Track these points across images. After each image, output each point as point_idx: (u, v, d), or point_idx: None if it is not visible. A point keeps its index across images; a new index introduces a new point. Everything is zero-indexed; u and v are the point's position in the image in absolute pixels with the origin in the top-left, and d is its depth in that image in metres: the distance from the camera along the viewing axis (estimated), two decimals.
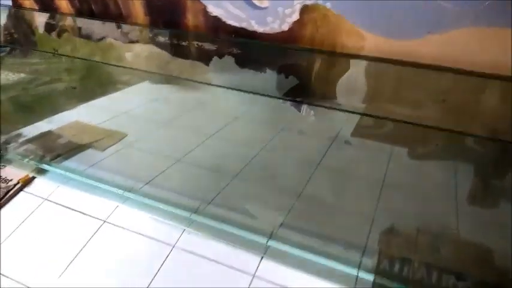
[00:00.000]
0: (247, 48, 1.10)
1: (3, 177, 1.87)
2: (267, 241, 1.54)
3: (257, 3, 1.01)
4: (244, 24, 1.07)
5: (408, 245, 1.42)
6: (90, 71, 1.58)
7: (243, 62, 1.13)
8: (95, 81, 1.72)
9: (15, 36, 1.50)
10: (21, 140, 1.98)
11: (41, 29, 1.41)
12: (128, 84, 1.73)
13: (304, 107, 1.11)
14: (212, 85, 1.22)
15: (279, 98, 1.15)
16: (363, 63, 1.02)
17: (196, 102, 1.54)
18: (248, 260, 1.52)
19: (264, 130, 1.43)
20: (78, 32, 1.33)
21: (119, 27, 1.24)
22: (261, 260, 1.52)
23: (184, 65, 1.22)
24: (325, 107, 1.09)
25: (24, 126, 2.02)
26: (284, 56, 1.09)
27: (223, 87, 1.20)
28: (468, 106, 0.99)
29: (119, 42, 1.28)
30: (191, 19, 1.12)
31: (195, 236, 1.62)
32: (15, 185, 1.83)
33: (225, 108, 1.48)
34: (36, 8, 1.35)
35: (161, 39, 1.19)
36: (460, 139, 1.09)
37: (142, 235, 1.63)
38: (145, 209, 1.71)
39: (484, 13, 0.82)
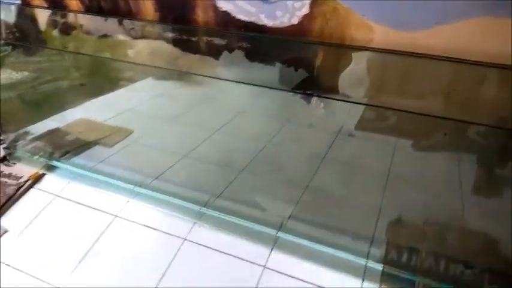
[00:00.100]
0: (256, 42, 1.12)
1: (13, 174, 1.89)
2: (277, 233, 1.56)
3: None
4: (253, 19, 1.08)
5: (415, 235, 1.44)
6: (97, 68, 1.60)
7: (252, 55, 1.14)
8: (101, 78, 1.73)
9: (24, 34, 1.51)
10: (29, 137, 2.00)
11: (50, 27, 1.42)
12: (131, 81, 1.74)
13: (314, 100, 1.12)
14: (221, 79, 1.23)
15: (289, 91, 1.16)
16: (372, 56, 1.04)
17: (201, 98, 1.55)
18: (258, 251, 1.55)
19: (271, 123, 1.44)
20: (87, 29, 1.35)
21: (128, 23, 1.25)
22: (271, 251, 1.55)
23: (194, 60, 1.23)
24: (335, 99, 1.11)
25: (32, 124, 2.04)
26: (293, 49, 1.10)
27: (233, 81, 1.22)
28: (476, 96, 1.01)
29: (128, 38, 1.30)
30: (201, 14, 1.14)
31: (205, 229, 1.65)
32: (25, 181, 1.85)
33: (231, 102, 1.49)
34: (45, 5, 1.36)
35: (171, 34, 1.21)
36: (464, 130, 1.11)
37: (154, 229, 1.66)
38: (156, 204, 1.74)
39: (493, 3, 0.84)
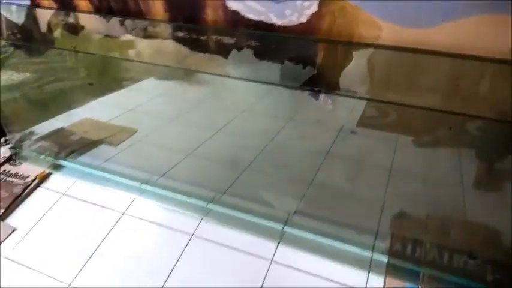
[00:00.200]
0: (265, 41, 1.14)
1: (20, 173, 1.91)
2: (283, 227, 1.59)
3: None
4: (262, 18, 1.11)
5: (420, 227, 1.47)
6: (104, 67, 1.62)
7: (261, 54, 1.17)
8: (106, 78, 1.75)
9: (31, 34, 1.53)
10: (35, 137, 2.01)
11: (58, 27, 1.44)
12: (135, 80, 1.76)
13: (322, 96, 1.15)
14: (230, 77, 1.26)
15: (297, 88, 1.19)
16: (379, 52, 1.07)
17: (206, 96, 1.58)
18: (265, 246, 1.58)
19: (278, 121, 1.47)
20: (96, 29, 1.37)
21: (137, 23, 1.27)
22: (277, 246, 1.58)
23: (203, 59, 1.26)
24: (342, 95, 1.14)
25: (37, 124, 2.05)
26: (302, 47, 1.13)
27: (242, 79, 1.24)
28: (478, 90, 1.04)
29: (138, 38, 1.32)
30: (210, 14, 1.16)
31: (212, 224, 1.68)
32: (32, 181, 1.87)
33: (237, 100, 1.51)
34: (55, 6, 1.38)
35: (180, 34, 1.23)
36: (467, 124, 1.14)
37: (162, 225, 1.68)
38: (163, 201, 1.77)
39: (494, 1, 0.87)
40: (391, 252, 1.47)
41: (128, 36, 1.34)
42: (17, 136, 2.03)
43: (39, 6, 1.40)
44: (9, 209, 1.76)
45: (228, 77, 1.25)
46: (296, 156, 1.52)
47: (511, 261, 1.33)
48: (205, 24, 1.18)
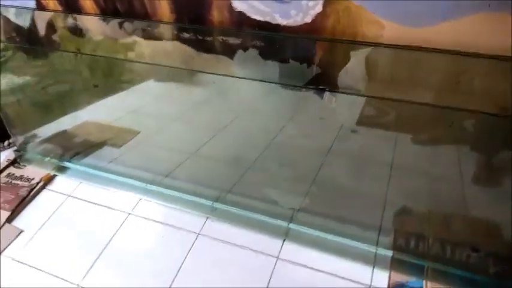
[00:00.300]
0: (270, 41, 1.17)
1: (25, 176, 1.92)
2: (288, 224, 1.62)
3: None
4: (268, 18, 1.13)
5: (422, 222, 1.50)
6: (109, 69, 1.64)
7: (266, 54, 1.19)
8: (110, 80, 1.76)
9: (35, 37, 1.54)
10: (39, 140, 2.03)
11: (64, 30, 1.46)
12: (136, 82, 1.77)
13: (326, 94, 1.18)
14: (236, 77, 1.28)
15: (301, 87, 1.21)
16: (381, 51, 1.09)
17: (209, 97, 1.59)
18: (271, 243, 1.60)
19: (281, 119, 1.49)
20: (102, 31, 1.39)
21: (144, 25, 1.29)
22: (283, 243, 1.60)
23: (208, 60, 1.28)
24: (347, 93, 1.16)
25: (41, 126, 2.06)
26: (306, 46, 1.15)
27: (248, 79, 1.26)
28: (478, 86, 1.06)
29: (143, 39, 1.34)
30: (216, 15, 1.19)
31: (218, 223, 1.70)
32: (37, 183, 1.89)
33: (239, 100, 1.53)
34: (60, 9, 1.40)
35: (186, 35, 1.25)
36: (467, 119, 1.17)
37: (168, 225, 1.70)
38: (168, 201, 1.79)
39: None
40: (395, 247, 1.50)
41: (134, 38, 1.36)
42: (21, 139, 2.04)
43: (44, 9, 1.42)
44: (16, 211, 1.77)
45: (233, 77, 1.27)
46: (300, 154, 1.54)
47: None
48: (211, 25, 1.20)
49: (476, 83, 1.06)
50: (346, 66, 1.14)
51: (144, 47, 1.37)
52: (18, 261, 1.59)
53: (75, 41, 1.47)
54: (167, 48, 1.31)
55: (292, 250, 1.58)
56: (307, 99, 1.29)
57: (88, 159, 1.96)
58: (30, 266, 1.57)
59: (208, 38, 1.23)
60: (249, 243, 1.61)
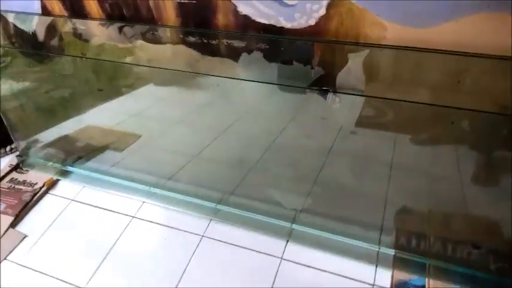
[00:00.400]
0: (275, 43, 1.19)
1: (28, 181, 1.93)
2: (291, 225, 1.64)
3: (286, 1, 1.10)
4: (272, 21, 1.16)
5: (423, 221, 1.52)
6: (113, 74, 1.65)
7: (271, 56, 1.22)
8: (113, 85, 1.78)
9: (39, 42, 1.56)
10: (41, 144, 2.03)
11: (69, 35, 1.48)
12: (138, 86, 1.78)
13: (330, 95, 1.20)
14: (241, 80, 1.30)
15: (305, 88, 1.24)
16: (384, 52, 1.12)
17: (211, 99, 1.61)
18: (274, 244, 1.62)
19: (283, 120, 1.51)
20: (107, 36, 1.41)
21: (149, 29, 1.31)
22: (286, 243, 1.62)
23: (213, 63, 1.30)
24: (350, 94, 1.19)
25: (42, 131, 2.07)
26: (310, 48, 1.18)
27: (253, 81, 1.29)
28: (479, 86, 1.09)
29: (149, 44, 1.36)
30: (221, 19, 1.21)
31: (221, 225, 1.71)
32: (41, 188, 1.89)
33: (242, 102, 1.55)
34: (66, 14, 1.42)
35: (191, 39, 1.27)
36: (468, 118, 1.19)
37: (172, 227, 1.71)
38: (171, 203, 1.80)
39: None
40: (397, 246, 1.52)
41: (138, 42, 1.38)
42: (23, 144, 2.04)
43: (50, 14, 1.44)
44: (19, 216, 1.78)
45: (238, 79, 1.30)
46: (303, 155, 1.56)
47: None
48: (216, 28, 1.23)
49: (477, 82, 1.09)
50: (350, 67, 1.16)
51: (149, 51, 1.39)
52: (23, 266, 1.59)
53: (80, 45, 1.49)
54: (172, 52, 1.33)
55: (295, 250, 1.60)
56: (310, 100, 1.31)
57: (91, 163, 1.97)
58: (35, 271, 1.57)
59: (214, 42, 1.25)
60: (253, 245, 1.62)
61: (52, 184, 1.94)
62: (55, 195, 1.91)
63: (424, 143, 1.34)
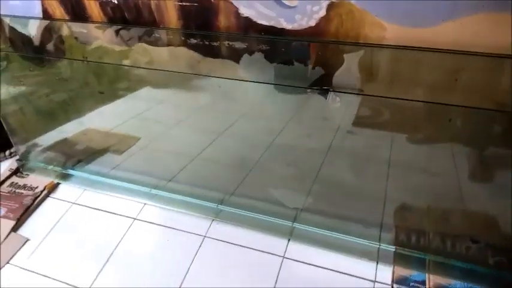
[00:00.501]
0: (276, 44, 1.21)
1: (28, 185, 1.93)
2: (292, 224, 1.65)
3: (287, 2, 1.12)
4: (273, 23, 1.18)
5: (422, 218, 1.54)
6: (115, 77, 1.66)
7: (272, 57, 1.24)
8: (113, 88, 1.78)
9: (40, 46, 1.57)
10: (40, 148, 2.03)
11: (71, 38, 1.49)
12: (137, 88, 1.79)
13: (330, 95, 1.22)
14: (243, 80, 1.32)
15: (306, 88, 1.26)
16: (383, 52, 1.14)
17: (211, 100, 1.62)
18: (276, 243, 1.64)
19: (283, 120, 1.52)
20: (110, 39, 1.42)
21: (151, 32, 1.33)
22: (288, 242, 1.64)
23: (215, 64, 1.32)
24: (350, 93, 1.21)
25: (42, 135, 2.07)
26: (310, 49, 1.20)
27: (254, 81, 1.30)
28: (478, 84, 1.12)
29: (151, 46, 1.37)
30: (223, 21, 1.23)
31: (223, 225, 1.73)
32: (41, 191, 1.89)
33: (242, 102, 1.56)
34: (67, 17, 1.42)
35: (193, 41, 1.29)
36: (467, 116, 1.21)
37: (174, 228, 1.73)
38: (173, 205, 1.81)
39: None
40: (397, 243, 1.54)
41: (140, 45, 1.39)
42: (23, 148, 2.04)
43: (52, 18, 1.45)
44: (21, 220, 1.78)
45: (239, 80, 1.31)
46: (303, 154, 1.58)
47: (510, 243, 1.40)
48: (218, 30, 1.25)
49: (474, 79, 1.11)
50: (346, 66, 1.19)
51: (150, 53, 1.40)
52: (26, 270, 1.59)
53: (81, 48, 1.50)
54: (173, 54, 1.35)
55: (297, 249, 1.62)
56: (311, 100, 1.33)
57: (91, 166, 1.97)
58: (38, 274, 1.58)
59: (215, 43, 1.27)
60: (255, 244, 1.64)
61: (53, 187, 1.94)
62: (56, 198, 1.92)
63: (423, 140, 1.36)
